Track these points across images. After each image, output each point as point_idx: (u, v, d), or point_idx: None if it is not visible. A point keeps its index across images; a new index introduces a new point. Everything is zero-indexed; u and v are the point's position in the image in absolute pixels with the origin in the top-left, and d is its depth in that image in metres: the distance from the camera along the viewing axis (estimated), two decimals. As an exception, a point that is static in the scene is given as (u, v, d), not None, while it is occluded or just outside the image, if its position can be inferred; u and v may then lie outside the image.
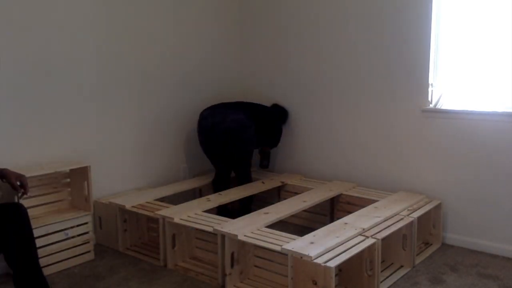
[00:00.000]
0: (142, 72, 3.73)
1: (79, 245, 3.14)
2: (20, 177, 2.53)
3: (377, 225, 2.91)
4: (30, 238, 2.46)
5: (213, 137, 3.66)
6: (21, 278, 2.41)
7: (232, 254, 2.78)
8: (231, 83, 4.43)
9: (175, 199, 3.64)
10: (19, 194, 2.56)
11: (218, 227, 2.83)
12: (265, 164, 4.23)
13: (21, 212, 2.45)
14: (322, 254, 2.48)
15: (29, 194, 2.67)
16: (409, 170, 3.60)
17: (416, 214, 3.13)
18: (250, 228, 2.83)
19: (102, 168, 3.49)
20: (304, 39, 4.02)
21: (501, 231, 3.26)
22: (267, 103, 4.26)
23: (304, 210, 3.43)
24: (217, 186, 3.83)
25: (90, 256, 3.21)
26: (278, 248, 2.57)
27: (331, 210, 3.71)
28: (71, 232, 3.09)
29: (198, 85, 4.16)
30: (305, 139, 4.13)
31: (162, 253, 3.12)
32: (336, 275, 2.64)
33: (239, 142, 3.68)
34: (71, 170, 3.18)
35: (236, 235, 2.72)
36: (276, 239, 2.68)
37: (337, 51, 3.85)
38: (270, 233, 2.79)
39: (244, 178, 3.86)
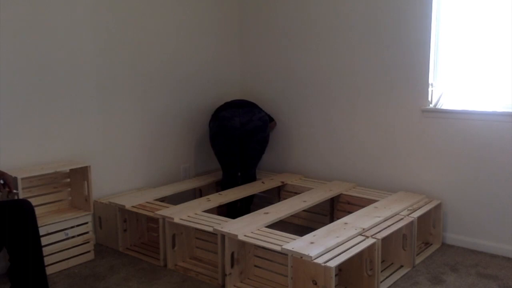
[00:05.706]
0: (143, 73, 3.73)
1: (79, 245, 3.14)
2: (2, 175, 2.40)
3: (377, 225, 2.91)
4: (36, 235, 2.43)
5: (239, 137, 3.66)
6: (22, 273, 2.36)
7: (232, 254, 2.78)
8: (231, 85, 4.43)
9: (175, 199, 3.64)
10: (6, 194, 2.41)
11: (218, 227, 2.83)
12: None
13: (26, 208, 2.41)
14: (322, 254, 2.48)
15: (15, 191, 2.53)
16: (409, 170, 3.60)
17: (416, 214, 3.13)
18: (250, 228, 2.82)
19: (102, 168, 3.50)
20: (304, 40, 4.02)
21: (501, 231, 3.26)
22: (268, 103, 4.27)
23: (304, 210, 3.43)
24: (229, 187, 3.76)
25: (90, 256, 3.21)
26: (278, 248, 2.57)
27: (331, 210, 3.71)
28: (71, 232, 3.09)
29: (199, 86, 4.16)
30: (305, 139, 4.13)
31: (162, 253, 3.12)
32: (336, 275, 2.64)
33: (262, 139, 3.74)
34: (71, 170, 3.19)
35: (236, 235, 2.72)
36: (276, 239, 2.68)
37: (336, 51, 3.85)
38: (270, 233, 2.79)
39: (252, 177, 3.86)
